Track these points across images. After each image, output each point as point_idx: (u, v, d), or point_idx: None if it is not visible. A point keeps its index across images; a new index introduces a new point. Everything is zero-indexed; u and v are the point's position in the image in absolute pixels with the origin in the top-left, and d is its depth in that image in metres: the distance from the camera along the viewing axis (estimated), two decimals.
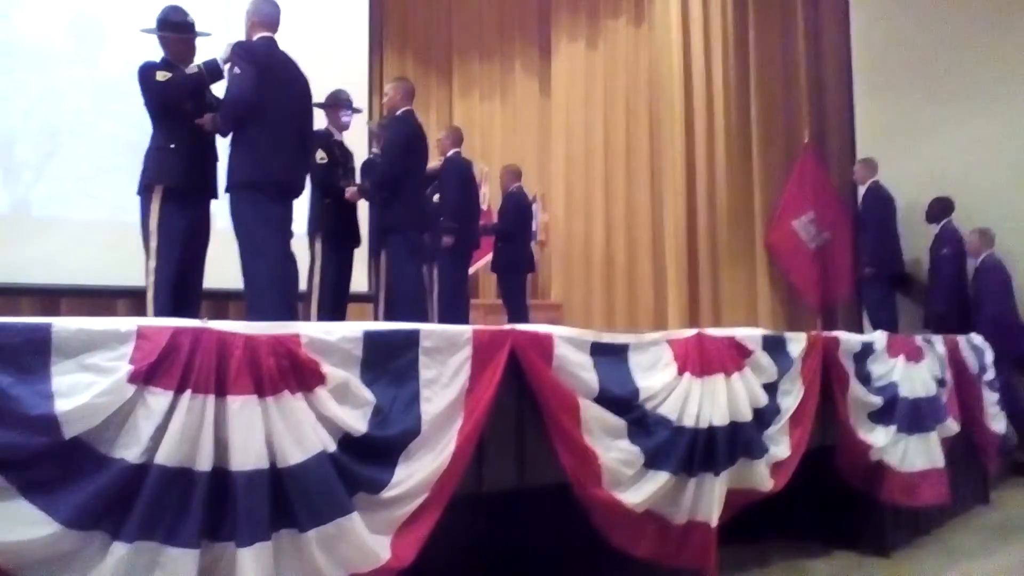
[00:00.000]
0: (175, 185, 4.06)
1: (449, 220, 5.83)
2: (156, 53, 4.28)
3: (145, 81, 4.11)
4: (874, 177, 6.75)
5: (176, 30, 4.26)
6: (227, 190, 3.98)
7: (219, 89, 4.19)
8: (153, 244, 4.03)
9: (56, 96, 6.60)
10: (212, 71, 4.11)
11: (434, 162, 5.97)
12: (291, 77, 4.12)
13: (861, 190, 6.90)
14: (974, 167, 6.46)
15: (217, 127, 4.08)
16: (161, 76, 4.10)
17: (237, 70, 3.87)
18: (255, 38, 4.05)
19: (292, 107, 4.08)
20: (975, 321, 5.90)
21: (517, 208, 7.01)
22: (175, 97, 4.10)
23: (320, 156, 5.14)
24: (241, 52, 3.94)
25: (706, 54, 8.22)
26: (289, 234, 4.09)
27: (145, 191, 4.09)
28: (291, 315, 3.92)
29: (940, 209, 6.49)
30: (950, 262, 6.33)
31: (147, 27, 4.30)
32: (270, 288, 3.89)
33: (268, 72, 3.95)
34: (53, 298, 6.35)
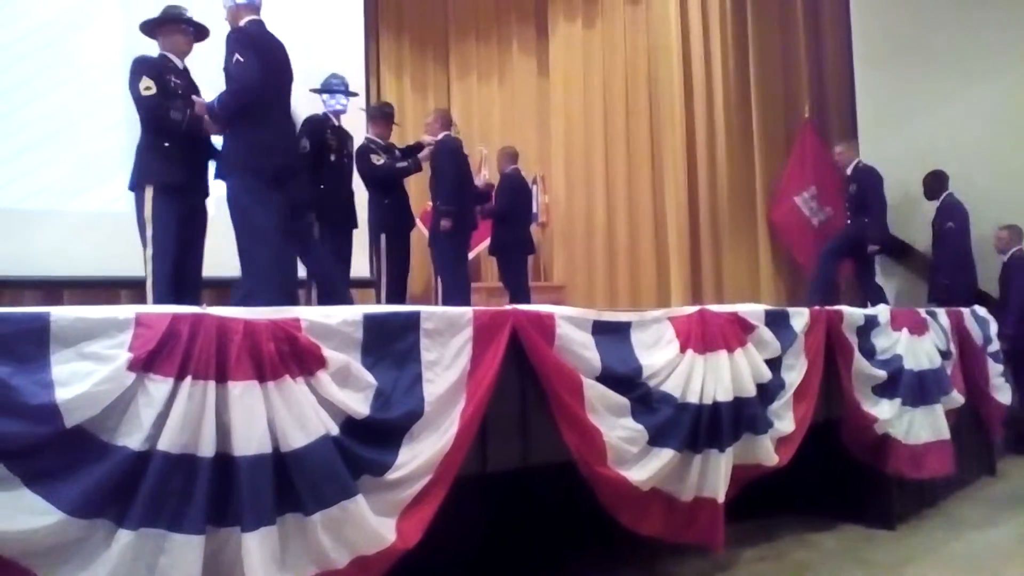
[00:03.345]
0: (166, 184, 4.04)
1: (445, 203, 5.79)
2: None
3: (132, 84, 4.07)
4: (858, 157, 6.67)
5: (176, 23, 4.22)
6: (222, 176, 3.94)
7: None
8: (149, 233, 4.01)
9: (56, 84, 6.57)
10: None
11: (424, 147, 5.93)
12: (283, 60, 4.06)
13: (848, 171, 6.67)
14: (974, 140, 6.41)
15: (216, 117, 3.97)
16: (144, 89, 4.03)
17: (240, 58, 3.78)
18: (244, 23, 3.95)
19: (286, 90, 4.05)
20: (1001, 317, 5.68)
21: (513, 190, 6.97)
22: (155, 110, 4.05)
23: (303, 145, 5.11)
24: (242, 39, 3.85)
25: (704, 31, 8.15)
26: (286, 218, 4.06)
27: (137, 187, 4.07)
28: (290, 300, 3.90)
29: (937, 183, 6.44)
30: (955, 235, 6.27)
31: (147, 21, 4.26)
32: (269, 274, 3.87)
33: (268, 56, 3.89)
34: (56, 289, 6.35)
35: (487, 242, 7.43)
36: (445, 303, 5.67)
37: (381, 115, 5.98)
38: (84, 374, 1.73)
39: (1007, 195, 6.14)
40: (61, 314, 1.77)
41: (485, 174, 7.91)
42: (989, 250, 6.19)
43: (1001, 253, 6.11)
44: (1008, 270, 6.05)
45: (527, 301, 5.84)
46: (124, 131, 4.65)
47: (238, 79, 3.81)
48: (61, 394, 1.69)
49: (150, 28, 4.25)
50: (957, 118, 6.52)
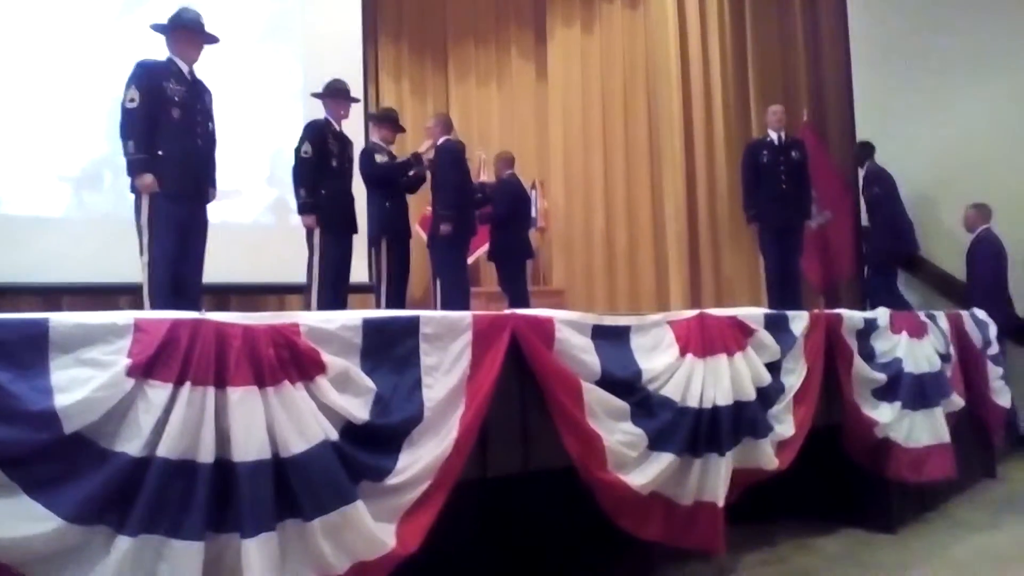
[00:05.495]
0: (163, 191, 4.03)
1: (445, 208, 5.80)
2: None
3: (124, 90, 4.05)
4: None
5: (186, 28, 4.22)
6: None
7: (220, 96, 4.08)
8: (145, 240, 4.00)
9: (54, 88, 6.57)
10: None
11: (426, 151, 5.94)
12: None
13: (782, 135, 6.27)
14: (975, 141, 6.43)
15: None
16: (129, 100, 4.01)
17: None
18: None
19: None
20: (967, 292, 6.03)
21: (510, 195, 6.97)
22: (124, 127, 4.03)
23: (305, 150, 5.12)
24: None
25: (702, 35, 8.16)
26: None
27: (136, 190, 4.06)
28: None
29: (863, 152, 6.76)
30: (883, 200, 6.54)
31: (158, 23, 4.27)
32: None
33: None
34: (55, 296, 6.33)
35: (486, 247, 7.43)
36: (444, 308, 5.67)
37: (386, 120, 5.98)
38: (83, 380, 1.73)
39: (1005, 197, 6.17)
40: (60, 320, 1.77)
41: (484, 178, 7.92)
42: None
43: (969, 231, 6.26)
44: (974, 249, 6.20)
45: (526, 306, 5.83)
46: None
47: None
48: (60, 400, 1.69)
49: (162, 29, 4.26)
50: (955, 120, 6.55)
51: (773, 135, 6.28)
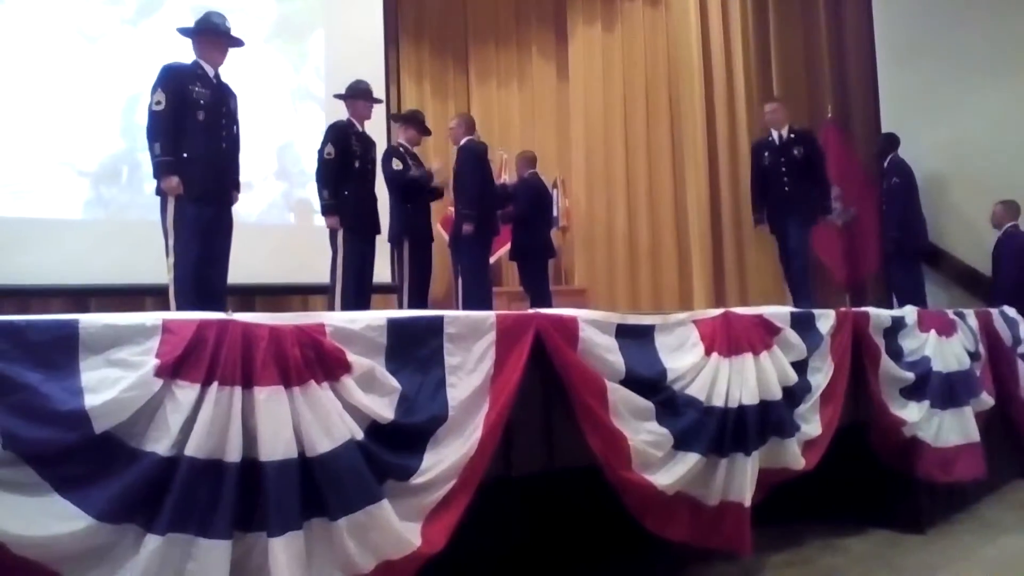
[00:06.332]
0: (188, 193, 4.06)
1: (468, 207, 5.81)
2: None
3: (151, 92, 4.11)
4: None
5: (212, 32, 4.26)
6: None
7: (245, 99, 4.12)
8: (171, 241, 4.05)
9: (82, 90, 6.65)
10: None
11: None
12: None
13: (783, 132, 6.03)
14: (1000, 137, 6.37)
15: None
16: (155, 103, 4.07)
17: None
18: None
19: None
20: (992, 290, 6.03)
21: (532, 194, 6.97)
22: (151, 128, 4.09)
23: (328, 151, 5.14)
24: None
25: (725, 32, 8.12)
26: None
27: (161, 195, 4.11)
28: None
29: (887, 144, 6.78)
30: (901, 190, 6.56)
31: (184, 27, 4.33)
32: None
33: None
34: (82, 297, 6.42)
35: (508, 246, 7.43)
36: (466, 307, 5.68)
37: (413, 122, 5.99)
38: (112, 380, 1.74)
39: None
40: (90, 321, 1.79)
41: (505, 178, 7.92)
42: None
43: (996, 228, 6.26)
44: (1000, 246, 6.19)
45: (548, 305, 5.82)
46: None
47: None
48: (90, 400, 1.70)
49: (189, 33, 4.31)
50: (980, 115, 6.49)
51: (773, 134, 6.07)
